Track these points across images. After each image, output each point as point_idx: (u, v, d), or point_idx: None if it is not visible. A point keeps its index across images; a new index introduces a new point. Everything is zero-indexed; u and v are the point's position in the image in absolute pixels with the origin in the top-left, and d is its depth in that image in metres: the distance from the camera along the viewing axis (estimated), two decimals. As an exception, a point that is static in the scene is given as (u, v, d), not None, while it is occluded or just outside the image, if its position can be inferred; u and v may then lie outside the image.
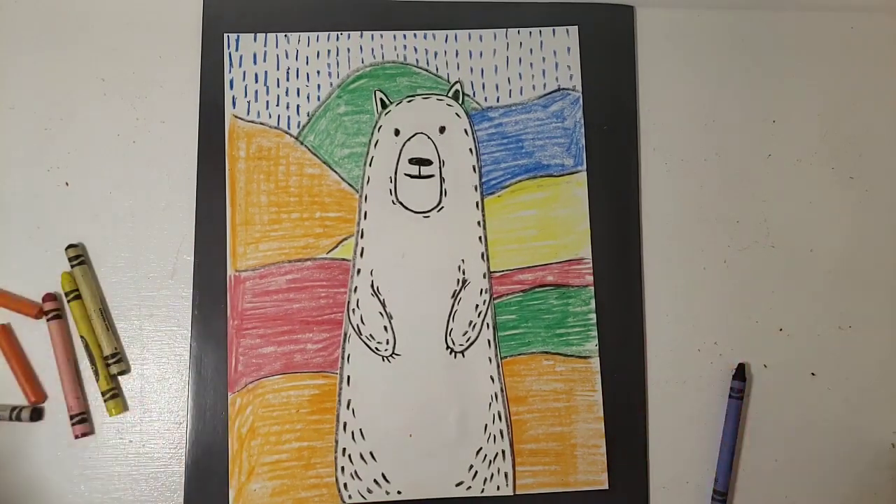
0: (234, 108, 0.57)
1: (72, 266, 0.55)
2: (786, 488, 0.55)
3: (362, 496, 0.54)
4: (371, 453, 0.54)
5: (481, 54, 0.58)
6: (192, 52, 0.57)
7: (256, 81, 0.57)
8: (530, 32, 0.59)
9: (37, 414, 0.54)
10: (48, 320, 0.54)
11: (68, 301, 0.55)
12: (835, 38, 0.60)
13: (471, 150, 0.57)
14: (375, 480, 0.54)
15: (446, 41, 0.58)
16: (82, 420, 0.53)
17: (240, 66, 0.57)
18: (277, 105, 0.57)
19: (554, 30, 0.59)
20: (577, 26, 0.59)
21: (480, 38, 0.59)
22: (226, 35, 0.58)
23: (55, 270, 0.55)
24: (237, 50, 0.58)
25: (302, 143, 0.57)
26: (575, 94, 0.58)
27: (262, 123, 0.57)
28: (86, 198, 0.56)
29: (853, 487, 0.56)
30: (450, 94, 0.58)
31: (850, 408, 0.57)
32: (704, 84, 0.59)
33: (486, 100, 0.58)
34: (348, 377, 0.55)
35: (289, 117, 0.57)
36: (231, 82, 0.57)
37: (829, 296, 0.58)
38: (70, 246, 0.55)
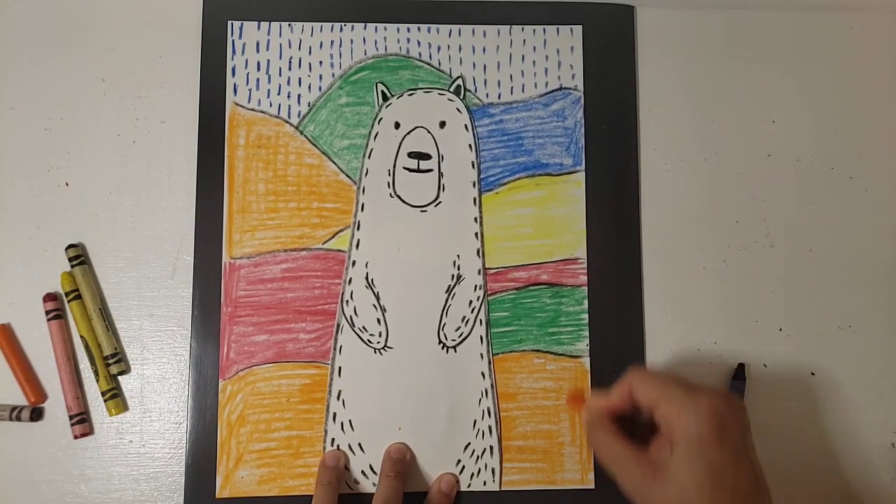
0: (236, 95, 0.57)
1: (72, 266, 0.55)
2: (785, 488, 0.55)
3: (349, 487, 0.54)
4: (360, 444, 0.54)
5: (484, 50, 0.58)
6: (192, 49, 0.57)
7: (258, 70, 0.57)
8: (534, 30, 0.59)
9: (37, 414, 0.54)
10: (48, 320, 0.54)
11: (68, 301, 0.55)
12: (835, 38, 0.60)
13: (470, 146, 0.57)
14: (363, 472, 0.54)
15: (450, 36, 0.58)
16: (82, 420, 0.53)
17: (242, 53, 0.57)
18: (279, 94, 0.57)
19: (558, 28, 0.59)
20: (581, 25, 0.59)
21: (484, 34, 0.58)
22: (229, 22, 0.58)
23: (55, 270, 0.55)
24: (240, 38, 0.57)
25: (302, 133, 0.57)
26: (576, 94, 0.58)
27: (262, 112, 0.57)
28: (86, 198, 0.56)
29: (853, 487, 0.56)
30: (451, 89, 0.58)
31: (850, 408, 0.56)
32: (704, 84, 0.59)
33: (487, 96, 0.58)
34: (340, 368, 0.55)
35: (289, 106, 0.57)
36: (233, 70, 0.57)
37: (829, 296, 0.57)
38: (70, 246, 0.55)
